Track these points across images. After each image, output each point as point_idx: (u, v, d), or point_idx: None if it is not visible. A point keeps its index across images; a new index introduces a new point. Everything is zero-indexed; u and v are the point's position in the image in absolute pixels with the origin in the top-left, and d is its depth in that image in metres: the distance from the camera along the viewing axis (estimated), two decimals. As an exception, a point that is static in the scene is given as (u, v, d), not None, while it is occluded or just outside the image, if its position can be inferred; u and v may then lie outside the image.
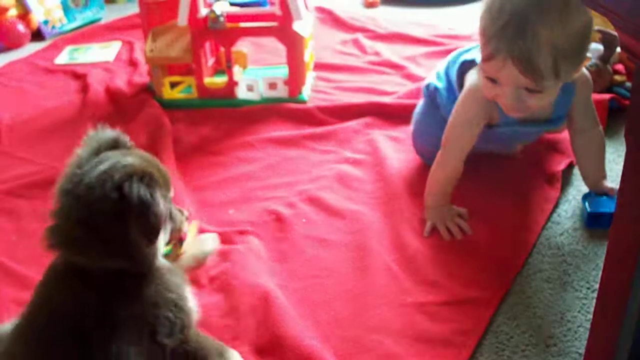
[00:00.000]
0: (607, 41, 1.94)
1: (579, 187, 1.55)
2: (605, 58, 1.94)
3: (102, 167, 0.92)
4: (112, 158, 0.94)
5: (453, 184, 1.46)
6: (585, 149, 1.49)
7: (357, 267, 1.33)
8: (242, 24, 2.00)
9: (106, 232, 0.89)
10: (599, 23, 2.02)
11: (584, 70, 1.39)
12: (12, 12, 2.79)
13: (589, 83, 1.43)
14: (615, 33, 1.87)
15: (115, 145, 1.01)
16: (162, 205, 0.93)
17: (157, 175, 0.95)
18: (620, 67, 2.03)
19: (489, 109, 1.40)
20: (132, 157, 0.95)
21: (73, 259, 0.93)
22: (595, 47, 1.97)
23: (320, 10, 2.84)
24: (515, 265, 1.31)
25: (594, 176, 1.49)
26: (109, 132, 1.03)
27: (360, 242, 1.40)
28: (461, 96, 1.43)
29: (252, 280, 1.27)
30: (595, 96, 1.63)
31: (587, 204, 1.44)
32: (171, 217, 1.04)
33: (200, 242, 1.29)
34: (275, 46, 2.29)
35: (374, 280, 1.28)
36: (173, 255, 1.17)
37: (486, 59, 1.29)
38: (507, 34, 1.23)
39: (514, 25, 1.22)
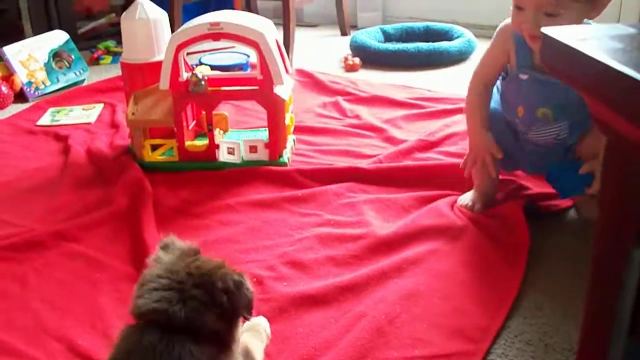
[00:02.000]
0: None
1: (557, 248, 1.56)
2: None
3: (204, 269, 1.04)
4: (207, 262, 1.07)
5: (483, 109, 1.64)
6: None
7: (342, 325, 1.32)
8: (224, 88, 2.03)
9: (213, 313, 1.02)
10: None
11: None
12: (-4, 74, 2.81)
13: None
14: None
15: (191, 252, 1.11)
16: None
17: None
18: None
19: (508, 47, 1.57)
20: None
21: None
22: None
23: (301, 73, 2.88)
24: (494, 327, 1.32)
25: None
26: (183, 243, 1.14)
27: (343, 300, 1.40)
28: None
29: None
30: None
31: (557, 174, 1.56)
32: None
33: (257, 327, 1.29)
34: (255, 109, 2.32)
35: (360, 336, 1.28)
36: None
37: None
38: None
39: None
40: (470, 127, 1.69)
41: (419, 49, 3.03)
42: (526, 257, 1.51)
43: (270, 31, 1.96)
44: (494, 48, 1.64)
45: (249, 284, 1.06)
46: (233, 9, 3.72)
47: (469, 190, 1.75)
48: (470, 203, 1.71)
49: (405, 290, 1.42)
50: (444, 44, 3.08)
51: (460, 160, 1.77)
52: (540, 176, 1.75)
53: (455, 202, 1.74)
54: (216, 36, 1.93)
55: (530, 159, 1.70)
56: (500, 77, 1.66)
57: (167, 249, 1.11)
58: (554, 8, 1.41)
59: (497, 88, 1.69)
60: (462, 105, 2.30)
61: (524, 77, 1.57)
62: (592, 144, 1.55)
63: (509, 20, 1.55)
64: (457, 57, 3.06)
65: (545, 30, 0.68)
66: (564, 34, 0.67)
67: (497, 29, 1.63)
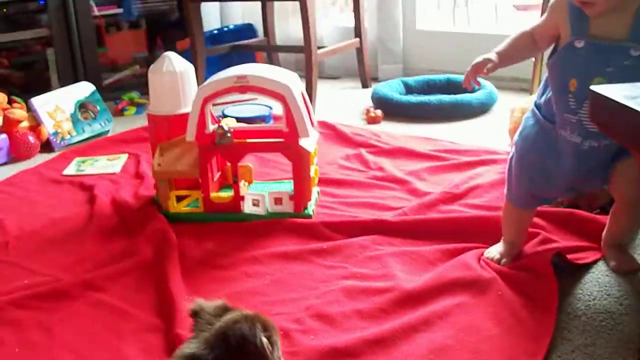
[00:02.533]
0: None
1: (586, 302, 1.55)
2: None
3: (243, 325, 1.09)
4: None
5: (514, 41, 1.64)
6: None
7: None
8: (249, 140, 2.05)
9: None
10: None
11: None
12: (24, 124, 2.85)
13: None
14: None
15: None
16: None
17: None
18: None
19: (560, 19, 1.52)
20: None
21: None
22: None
23: (324, 125, 2.90)
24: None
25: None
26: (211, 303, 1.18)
27: (371, 354, 1.38)
28: None
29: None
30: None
31: None
32: None
33: None
34: (280, 160, 2.34)
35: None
36: None
37: None
38: None
39: None
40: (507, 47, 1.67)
41: (441, 101, 3.05)
42: (556, 312, 1.49)
43: (295, 84, 1.99)
44: (546, 20, 1.60)
45: (258, 336, 1.07)
46: (255, 61, 3.79)
47: (496, 242, 1.75)
48: (497, 256, 1.70)
49: (434, 344, 1.40)
50: (465, 96, 3.09)
51: (485, 213, 1.77)
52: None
53: (482, 254, 1.73)
54: (243, 89, 1.95)
55: (568, 176, 1.61)
56: (548, 57, 1.59)
57: (197, 315, 1.14)
58: None
59: (542, 90, 1.64)
60: (486, 157, 2.32)
61: (579, 44, 1.49)
62: (625, 171, 1.52)
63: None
64: (479, 109, 3.08)
65: (595, 88, 0.69)
66: (613, 92, 0.68)
67: (548, 14, 1.60)
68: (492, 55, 1.63)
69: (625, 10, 1.41)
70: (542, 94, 1.62)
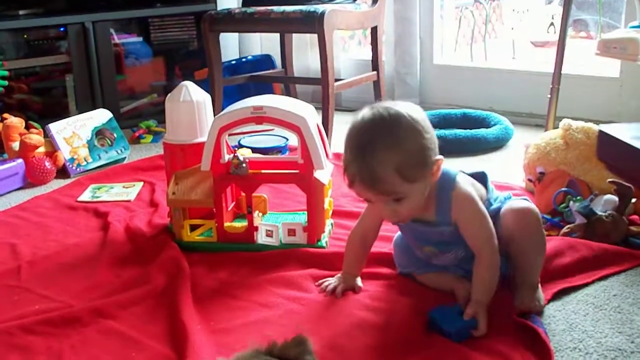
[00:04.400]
0: (622, 193, 1.97)
1: (598, 339, 1.53)
2: (620, 209, 1.97)
3: None
4: None
5: (362, 250, 1.81)
6: (475, 267, 1.63)
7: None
8: (264, 171, 2.05)
9: None
10: (613, 175, 2.07)
11: (463, 189, 1.63)
12: (41, 150, 2.87)
13: (468, 201, 1.62)
14: (629, 185, 1.92)
15: None
16: None
17: None
18: (635, 217, 2.06)
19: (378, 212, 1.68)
20: None
21: None
22: (610, 198, 2.01)
23: (339, 157, 2.89)
24: None
25: (473, 291, 1.62)
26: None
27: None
28: None
29: None
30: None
31: (441, 322, 1.56)
32: None
33: None
34: (294, 192, 2.34)
35: None
36: None
37: (349, 185, 1.56)
38: (353, 167, 1.52)
39: (358, 154, 1.50)
40: (346, 265, 1.83)
41: (456, 135, 3.05)
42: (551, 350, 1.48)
43: (311, 116, 1.99)
44: (369, 211, 1.79)
45: None
46: (273, 92, 3.81)
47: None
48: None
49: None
50: (481, 131, 3.10)
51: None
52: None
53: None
54: (259, 120, 1.96)
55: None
56: None
57: None
58: (400, 195, 1.52)
59: None
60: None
61: (401, 224, 1.73)
62: (475, 264, 1.64)
63: None
64: (494, 144, 3.08)
65: (603, 127, 0.69)
66: (620, 131, 0.68)
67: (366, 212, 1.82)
68: (339, 286, 1.77)
69: (428, 202, 1.62)
70: None
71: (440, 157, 1.58)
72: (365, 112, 1.56)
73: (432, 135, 1.56)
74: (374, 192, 1.52)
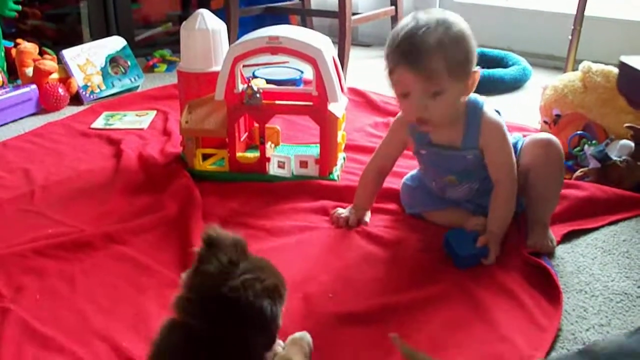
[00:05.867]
0: (638, 138, 1.95)
1: (605, 282, 1.54)
2: (636, 155, 1.95)
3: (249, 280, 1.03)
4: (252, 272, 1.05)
5: (375, 185, 1.83)
6: (493, 197, 1.67)
7: (386, 346, 1.30)
8: (278, 102, 2.04)
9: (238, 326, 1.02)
10: (631, 120, 2.05)
11: (492, 116, 1.65)
12: (54, 76, 2.86)
13: (497, 128, 1.65)
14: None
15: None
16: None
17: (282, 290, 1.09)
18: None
19: (403, 135, 1.75)
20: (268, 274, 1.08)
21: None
22: (626, 144, 1.98)
23: (354, 92, 2.88)
24: (538, 358, 1.29)
25: (488, 222, 1.65)
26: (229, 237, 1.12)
27: (388, 322, 1.39)
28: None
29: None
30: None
31: (454, 244, 1.58)
32: None
33: (300, 341, 1.27)
34: (307, 124, 2.33)
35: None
36: None
37: (390, 72, 1.61)
38: (401, 48, 1.55)
39: (406, 40, 1.54)
40: (357, 198, 1.83)
41: (473, 74, 3.01)
42: (560, 290, 1.48)
43: (327, 48, 1.97)
44: (390, 139, 1.81)
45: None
46: (289, 24, 3.76)
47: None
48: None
49: (450, 316, 1.41)
50: (499, 71, 3.06)
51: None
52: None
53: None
54: (274, 50, 1.94)
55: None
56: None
57: (211, 248, 1.09)
58: (438, 87, 1.54)
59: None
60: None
61: (423, 152, 1.74)
62: (494, 194, 1.68)
63: (399, 114, 1.76)
64: (512, 85, 3.05)
65: (624, 58, 0.67)
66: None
67: (394, 120, 1.81)
68: (351, 217, 1.78)
69: (456, 124, 1.64)
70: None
71: (478, 68, 1.61)
72: (410, 16, 1.59)
73: (476, 47, 1.60)
74: (418, 74, 1.53)
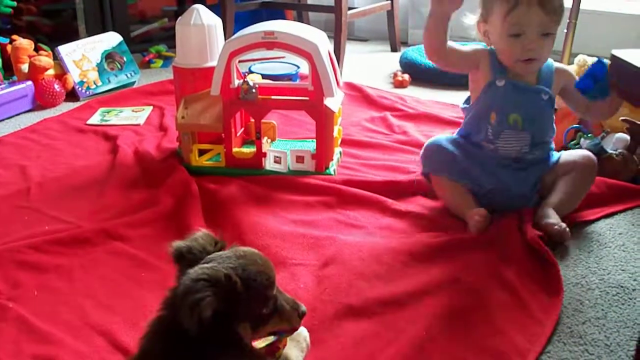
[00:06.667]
0: (634, 131, 1.96)
1: (601, 275, 1.54)
2: (631, 148, 1.95)
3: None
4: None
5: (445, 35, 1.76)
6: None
7: (383, 338, 1.32)
8: (274, 97, 2.04)
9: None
10: (626, 113, 2.05)
11: (566, 66, 1.82)
12: (50, 72, 2.86)
13: (569, 71, 1.81)
14: (641, 123, 1.91)
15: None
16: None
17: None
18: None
19: (481, 61, 1.78)
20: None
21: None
22: (622, 137, 1.99)
23: (350, 86, 2.88)
24: (534, 352, 1.29)
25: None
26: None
27: (384, 314, 1.40)
28: None
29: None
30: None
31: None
32: (277, 310, 1.07)
33: (297, 336, 1.25)
34: (304, 119, 2.33)
35: (400, 352, 1.28)
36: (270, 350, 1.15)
37: (510, 10, 1.63)
38: None
39: None
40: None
41: (469, 68, 3.01)
42: (562, 283, 1.49)
43: (323, 43, 1.97)
44: (470, 53, 1.81)
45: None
46: (285, 19, 3.76)
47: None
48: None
49: (447, 308, 1.41)
50: (494, 65, 3.05)
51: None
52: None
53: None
54: (270, 45, 1.94)
55: (490, 181, 1.78)
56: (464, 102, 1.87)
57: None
58: (552, 26, 1.66)
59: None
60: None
61: (500, 83, 1.74)
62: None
63: (479, 46, 1.81)
64: (507, 79, 3.03)
65: (616, 52, 0.68)
66: (633, 56, 0.66)
67: (475, 49, 1.82)
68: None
69: None
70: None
71: None
72: None
73: None
74: (545, 10, 1.63)
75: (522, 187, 1.76)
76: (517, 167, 1.77)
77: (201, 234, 1.10)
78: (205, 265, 1.01)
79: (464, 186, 1.78)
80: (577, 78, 1.72)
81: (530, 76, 1.74)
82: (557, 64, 1.78)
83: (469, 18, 1.79)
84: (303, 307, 1.11)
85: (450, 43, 1.77)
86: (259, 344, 1.13)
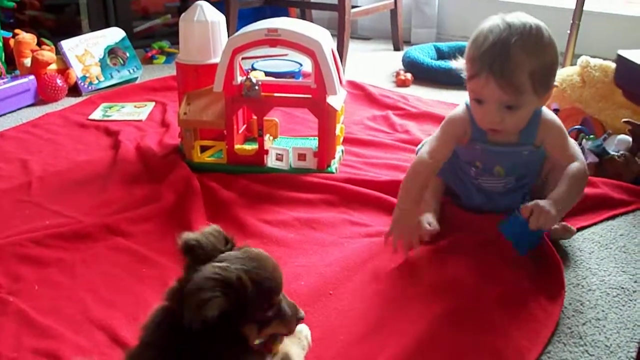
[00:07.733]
0: (636, 133, 1.95)
1: (602, 277, 1.54)
2: (633, 149, 1.95)
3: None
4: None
5: (422, 184, 1.62)
6: (565, 173, 1.57)
7: (383, 337, 1.32)
8: (277, 94, 2.04)
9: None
10: (628, 115, 2.05)
11: (554, 117, 1.63)
12: (53, 67, 2.86)
13: (557, 124, 1.63)
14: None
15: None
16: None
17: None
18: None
19: (461, 132, 1.65)
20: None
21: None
22: (624, 139, 1.99)
23: (353, 85, 2.88)
24: (534, 352, 1.29)
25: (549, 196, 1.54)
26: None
27: (386, 313, 1.40)
28: (442, 123, 1.70)
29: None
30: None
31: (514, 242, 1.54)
32: (280, 315, 1.07)
33: (298, 334, 1.25)
34: (306, 117, 2.33)
35: (400, 351, 1.27)
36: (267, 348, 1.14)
37: (471, 77, 1.53)
38: (489, 55, 1.48)
39: (496, 48, 1.47)
40: (402, 199, 1.63)
41: (472, 68, 3.01)
42: (564, 283, 1.49)
43: (326, 41, 1.97)
44: (448, 136, 1.67)
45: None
46: (288, 16, 3.76)
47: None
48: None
49: (447, 308, 1.41)
50: (497, 65, 3.04)
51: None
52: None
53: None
54: (273, 42, 1.94)
55: (479, 199, 1.77)
56: None
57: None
58: (519, 102, 1.51)
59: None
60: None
61: (477, 147, 1.67)
62: (562, 173, 1.60)
63: (456, 112, 1.68)
64: (510, 79, 3.03)
65: (621, 52, 0.68)
66: (638, 56, 0.66)
67: (448, 119, 1.69)
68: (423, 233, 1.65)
69: None
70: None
71: (556, 83, 1.60)
72: (499, 19, 1.55)
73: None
74: (500, 86, 1.48)
75: (511, 201, 1.70)
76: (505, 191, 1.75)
77: (212, 230, 1.10)
78: (218, 264, 1.00)
79: (448, 190, 1.80)
80: (566, 132, 1.64)
81: (511, 134, 1.61)
82: (546, 116, 1.62)
83: (460, 62, 1.64)
84: (302, 313, 1.12)
85: (427, 158, 1.64)
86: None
